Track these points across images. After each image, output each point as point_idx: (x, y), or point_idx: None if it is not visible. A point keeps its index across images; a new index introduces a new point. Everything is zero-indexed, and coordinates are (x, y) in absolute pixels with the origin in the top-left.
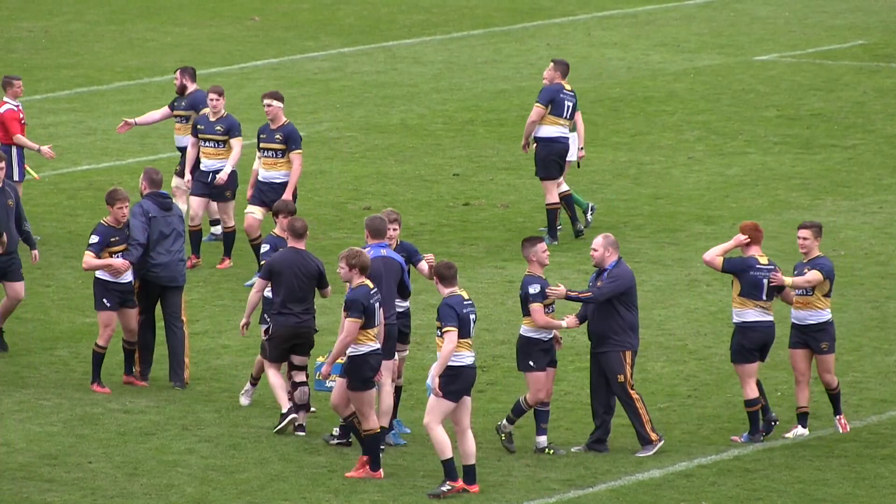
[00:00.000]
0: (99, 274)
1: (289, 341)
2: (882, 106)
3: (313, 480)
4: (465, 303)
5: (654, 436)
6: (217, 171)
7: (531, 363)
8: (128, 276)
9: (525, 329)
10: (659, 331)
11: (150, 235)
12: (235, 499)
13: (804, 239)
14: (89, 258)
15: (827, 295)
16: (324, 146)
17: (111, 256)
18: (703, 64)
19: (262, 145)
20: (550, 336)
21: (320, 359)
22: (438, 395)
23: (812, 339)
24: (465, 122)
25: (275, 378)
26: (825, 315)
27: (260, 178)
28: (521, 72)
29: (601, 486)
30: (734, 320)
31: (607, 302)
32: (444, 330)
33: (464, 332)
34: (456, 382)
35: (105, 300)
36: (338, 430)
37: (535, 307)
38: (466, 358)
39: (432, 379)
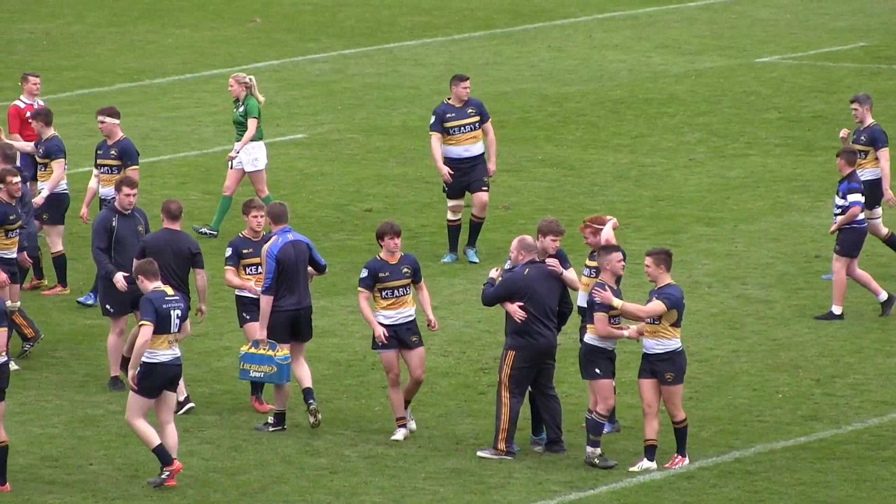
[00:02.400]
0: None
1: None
2: (883, 108)
3: (314, 482)
4: (168, 298)
5: (501, 446)
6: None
7: (597, 371)
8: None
9: (589, 337)
10: None
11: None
12: (236, 501)
13: (647, 266)
14: (230, 275)
15: (675, 324)
16: (325, 148)
17: (245, 270)
18: (705, 66)
19: (98, 161)
20: (614, 345)
21: (244, 348)
22: (134, 389)
23: (658, 368)
24: None
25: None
26: (672, 345)
27: (100, 196)
28: (522, 74)
29: (602, 489)
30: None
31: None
32: (140, 324)
33: (163, 328)
34: (150, 378)
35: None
36: (272, 418)
37: (599, 317)
38: (163, 355)
39: (129, 374)
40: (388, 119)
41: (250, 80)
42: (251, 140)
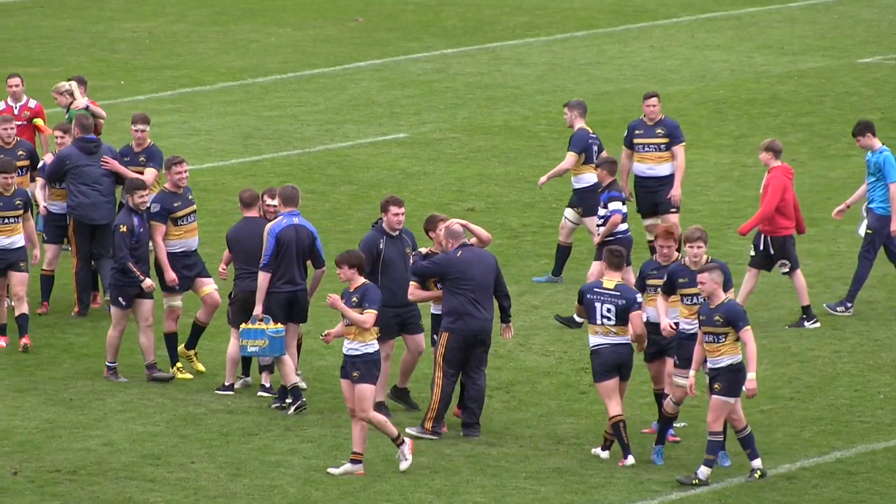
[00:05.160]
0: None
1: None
2: None
3: (415, 481)
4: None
5: (428, 425)
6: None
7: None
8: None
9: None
10: (762, 333)
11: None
12: (338, 499)
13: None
14: (414, 289)
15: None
16: (427, 147)
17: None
18: (807, 66)
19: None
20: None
21: (242, 326)
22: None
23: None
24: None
25: (232, 349)
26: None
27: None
28: (625, 73)
29: (703, 489)
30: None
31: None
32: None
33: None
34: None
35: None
36: (279, 393)
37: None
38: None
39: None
40: (489, 119)
41: (70, 85)
42: None
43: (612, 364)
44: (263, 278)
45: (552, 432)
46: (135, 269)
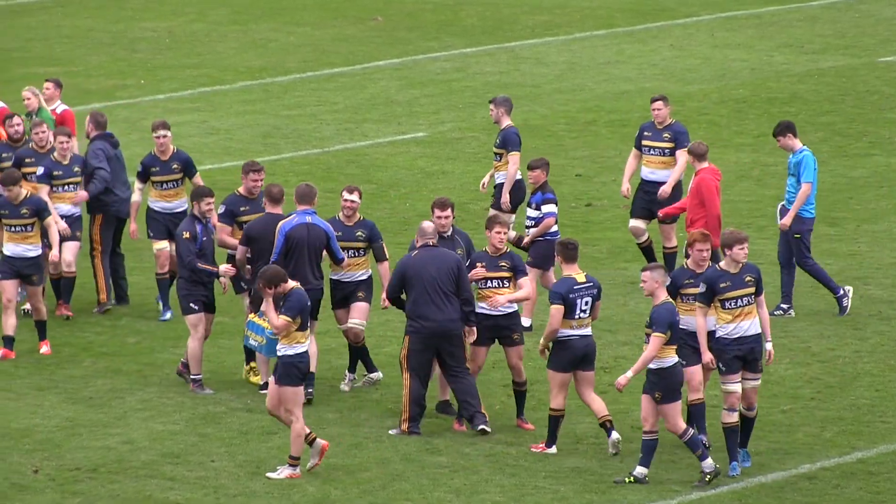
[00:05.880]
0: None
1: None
2: None
3: (434, 480)
4: None
5: (404, 427)
6: (69, 216)
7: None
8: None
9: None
10: (782, 332)
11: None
12: (357, 498)
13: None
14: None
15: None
16: (446, 146)
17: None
18: (828, 65)
19: (156, 179)
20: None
21: (251, 317)
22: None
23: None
24: (587, 122)
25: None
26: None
27: (158, 209)
28: (644, 73)
29: (723, 489)
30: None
31: None
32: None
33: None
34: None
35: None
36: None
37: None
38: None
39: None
40: None
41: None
42: None
43: (580, 355)
44: None
45: (571, 431)
46: (204, 265)
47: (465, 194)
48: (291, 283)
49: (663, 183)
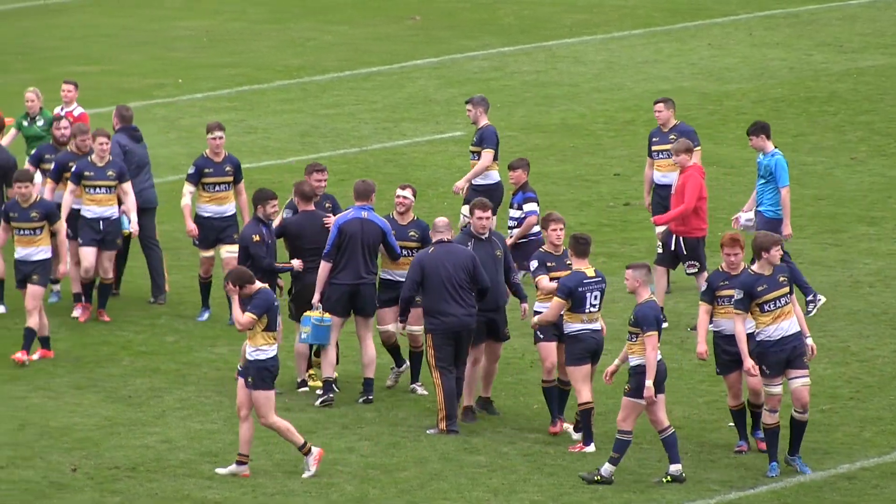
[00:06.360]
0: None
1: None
2: None
3: (473, 479)
4: None
5: (442, 426)
6: (107, 219)
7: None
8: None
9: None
10: (821, 332)
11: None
12: (395, 497)
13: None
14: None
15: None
16: None
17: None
18: (866, 64)
19: (208, 180)
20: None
21: (308, 313)
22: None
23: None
24: (625, 121)
25: (299, 344)
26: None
27: (207, 214)
28: (682, 72)
29: (762, 488)
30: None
31: None
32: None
33: None
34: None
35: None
36: (320, 389)
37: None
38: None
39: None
40: (546, 117)
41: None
42: None
43: (592, 349)
44: (323, 268)
45: (610, 431)
46: (282, 264)
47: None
48: (258, 284)
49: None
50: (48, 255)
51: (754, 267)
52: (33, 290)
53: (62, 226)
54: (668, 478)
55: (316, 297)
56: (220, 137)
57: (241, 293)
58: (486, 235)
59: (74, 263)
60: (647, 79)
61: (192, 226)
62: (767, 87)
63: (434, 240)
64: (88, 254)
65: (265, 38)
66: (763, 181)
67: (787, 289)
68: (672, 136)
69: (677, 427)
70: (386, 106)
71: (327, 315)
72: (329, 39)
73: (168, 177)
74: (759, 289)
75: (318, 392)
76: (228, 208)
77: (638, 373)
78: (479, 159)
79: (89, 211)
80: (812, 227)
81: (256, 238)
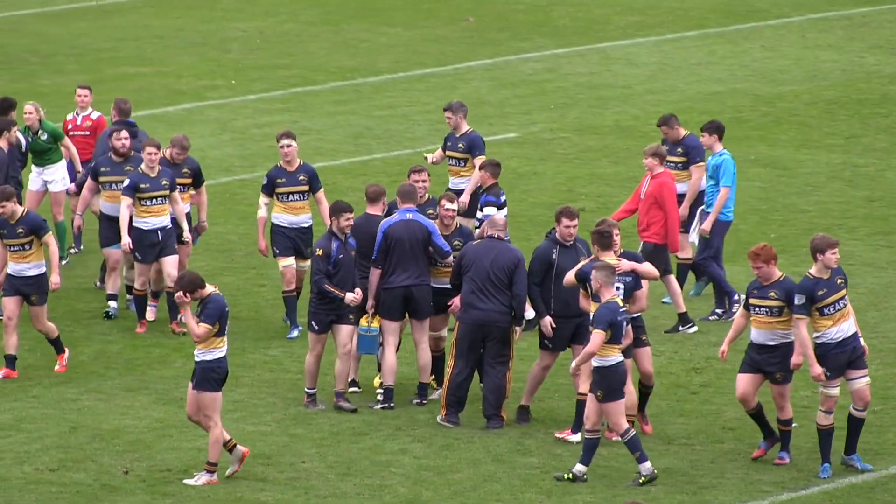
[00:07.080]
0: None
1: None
2: None
3: (526, 481)
4: None
5: (442, 412)
6: (164, 228)
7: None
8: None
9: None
10: (872, 333)
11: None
12: (448, 499)
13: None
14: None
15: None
16: (538, 147)
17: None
18: None
19: (282, 190)
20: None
21: (364, 322)
22: None
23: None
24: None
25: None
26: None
27: (284, 224)
28: (735, 74)
29: (814, 489)
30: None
31: None
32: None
33: None
34: None
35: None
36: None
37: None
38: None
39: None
40: (600, 118)
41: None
42: (56, 161)
43: (625, 380)
44: (373, 273)
45: (662, 432)
46: (332, 289)
47: (556, 195)
48: (209, 289)
49: (680, 196)
50: (42, 269)
51: (812, 271)
52: (34, 312)
53: (52, 238)
54: (644, 479)
55: (369, 303)
56: (289, 145)
57: (193, 298)
58: (572, 243)
59: (129, 268)
60: (700, 80)
61: (263, 243)
62: (820, 88)
63: (486, 233)
64: (145, 270)
65: (319, 39)
66: (712, 182)
67: (844, 291)
68: (679, 150)
69: (730, 429)
70: (439, 107)
71: (375, 324)
72: (383, 41)
73: (221, 178)
74: (820, 293)
75: (378, 396)
76: (304, 219)
77: (605, 375)
78: (463, 165)
79: (146, 223)
80: (864, 229)
81: (319, 252)
